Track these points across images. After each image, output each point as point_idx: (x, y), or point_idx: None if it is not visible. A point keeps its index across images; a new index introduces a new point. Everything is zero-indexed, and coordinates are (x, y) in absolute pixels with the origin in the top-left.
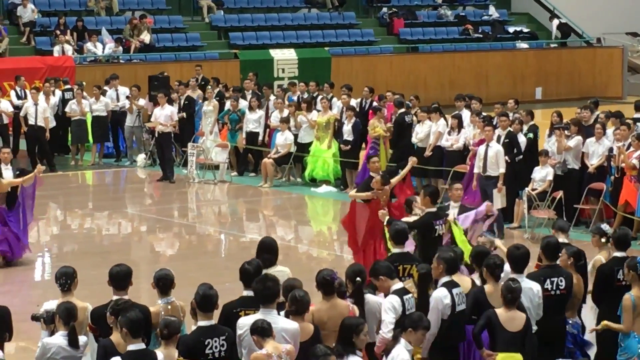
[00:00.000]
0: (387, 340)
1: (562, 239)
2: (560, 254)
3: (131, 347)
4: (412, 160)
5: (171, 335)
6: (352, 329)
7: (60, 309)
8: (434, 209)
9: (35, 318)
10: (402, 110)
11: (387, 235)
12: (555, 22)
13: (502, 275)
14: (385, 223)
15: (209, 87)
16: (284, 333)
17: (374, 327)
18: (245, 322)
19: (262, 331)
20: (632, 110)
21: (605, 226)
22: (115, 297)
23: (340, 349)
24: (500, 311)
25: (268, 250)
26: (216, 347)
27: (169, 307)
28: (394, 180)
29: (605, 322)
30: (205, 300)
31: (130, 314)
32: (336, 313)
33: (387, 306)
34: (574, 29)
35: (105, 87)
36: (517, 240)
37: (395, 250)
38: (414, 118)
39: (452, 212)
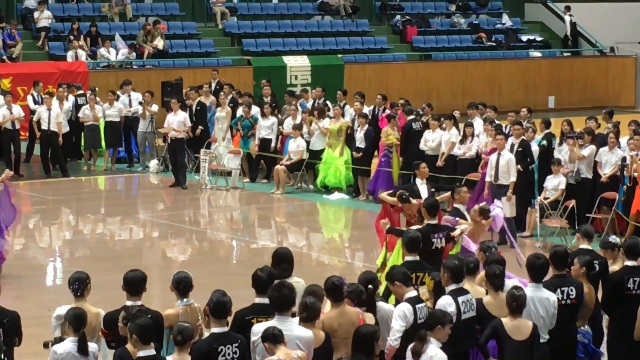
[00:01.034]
0: (394, 348)
1: (585, 245)
2: (572, 264)
3: (141, 354)
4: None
5: (185, 341)
6: (372, 337)
7: (70, 315)
8: (433, 222)
9: (46, 345)
10: (411, 117)
11: (386, 243)
12: (568, 18)
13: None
14: (385, 231)
15: (222, 93)
16: (298, 341)
17: (386, 335)
18: (259, 329)
19: (273, 338)
20: None
21: (614, 238)
22: (128, 303)
23: (364, 358)
24: (506, 320)
25: (285, 261)
26: (229, 354)
27: (189, 309)
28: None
29: None
30: (219, 307)
31: (140, 320)
32: (346, 320)
33: (397, 314)
34: (588, 38)
35: (118, 92)
36: (529, 249)
37: (408, 258)
38: (422, 125)
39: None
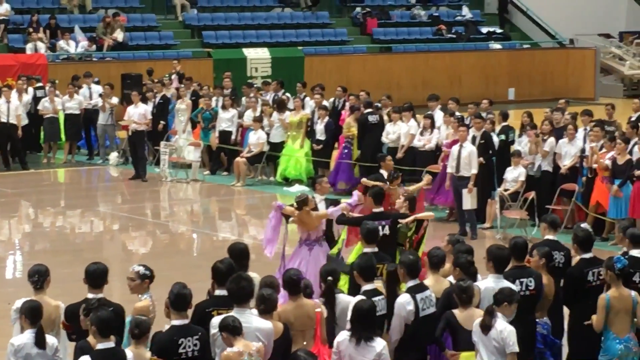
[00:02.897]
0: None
1: (550, 235)
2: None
3: (100, 346)
4: (427, 178)
5: (142, 334)
6: (373, 311)
7: (25, 308)
8: (379, 210)
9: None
10: (368, 110)
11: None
12: None
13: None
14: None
15: (182, 86)
16: (258, 333)
17: (345, 327)
18: (218, 322)
19: (232, 329)
20: (604, 112)
21: (585, 225)
22: (90, 295)
23: (369, 334)
24: (457, 311)
25: (240, 257)
26: (189, 347)
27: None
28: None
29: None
30: (179, 299)
31: (100, 312)
32: (302, 313)
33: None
34: (548, 30)
35: (70, 85)
36: (489, 241)
37: (367, 249)
38: (386, 118)
39: (320, 205)
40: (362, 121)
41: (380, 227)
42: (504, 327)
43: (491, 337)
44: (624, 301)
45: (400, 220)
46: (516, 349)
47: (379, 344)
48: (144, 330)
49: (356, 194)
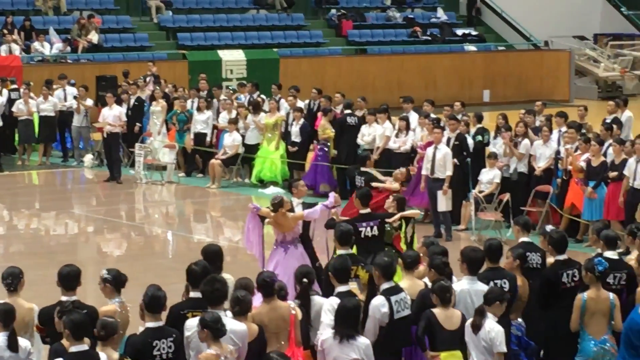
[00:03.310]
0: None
1: (524, 237)
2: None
3: (73, 349)
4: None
5: (108, 336)
6: (357, 310)
7: None
8: (366, 211)
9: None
10: (348, 111)
11: None
12: None
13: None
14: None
15: (157, 88)
16: (233, 335)
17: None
18: (193, 324)
19: (216, 331)
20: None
21: (549, 227)
22: (63, 298)
23: (353, 332)
24: (437, 311)
25: (214, 259)
26: (164, 349)
27: (122, 304)
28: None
29: None
30: (153, 302)
31: (73, 315)
32: (277, 315)
33: (327, 307)
34: (522, 32)
35: (44, 88)
36: (464, 243)
37: (341, 251)
38: (357, 120)
39: (297, 209)
40: (341, 122)
41: (369, 228)
42: (492, 327)
43: (480, 336)
44: (601, 303)
45: (387, 220)
46: (503, 349)
47: (363, 342)
48: (110, 332)
49: (332, 195)
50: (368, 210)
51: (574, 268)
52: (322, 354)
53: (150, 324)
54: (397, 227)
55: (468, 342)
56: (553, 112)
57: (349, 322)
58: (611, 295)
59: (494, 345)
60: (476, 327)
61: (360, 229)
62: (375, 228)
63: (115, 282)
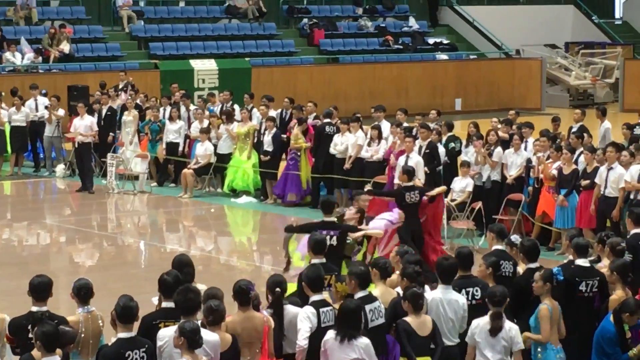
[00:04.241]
0: (303, 349)
1: (499, 245)
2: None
3: None
4: (441, 188)
5: (63, 345)
6: (359, 310)
7: None
8: (329, 219)
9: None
10: (327, 120)
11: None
12: None
13: None
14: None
15: (129, 97)
16: (205, 345)
17: (293, 338)
18: (165, 334)
19: (193, 342)
20: (550, 122)
21: (515, 237)
22: (34, 308)
23: (352, 333)
24: (410, 319)
25: (186, 266)
26: (136, 359)
27: (89, 316)
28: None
29: (526, 333)
30: (125, 312)
31: (45, 327)
32: (250, 325)
33: (302, 316)
34: (494, 41)
35: (16, 98)
36: None
37: (314, 260)
38: (335, 129)
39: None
40: (319, 130)
41: (328, 237)
42: (510, 326)
43: (500, 337)
44: (556, 312)
45: (350, 234)
46: (523, 346)
47: (363, 342)
48: (65, 342)
49: (396, 211)
50: (332, 218)
51: None
52: (325, 355)
53: (123, 335)
54: (359, 242)
55: (482, 345)
56: (524, 121)
57: (352, 323)
58: (555, 303)
59: (514, 343)
60: (496, 330)
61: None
62: (334, 238)
63: (77, 292)
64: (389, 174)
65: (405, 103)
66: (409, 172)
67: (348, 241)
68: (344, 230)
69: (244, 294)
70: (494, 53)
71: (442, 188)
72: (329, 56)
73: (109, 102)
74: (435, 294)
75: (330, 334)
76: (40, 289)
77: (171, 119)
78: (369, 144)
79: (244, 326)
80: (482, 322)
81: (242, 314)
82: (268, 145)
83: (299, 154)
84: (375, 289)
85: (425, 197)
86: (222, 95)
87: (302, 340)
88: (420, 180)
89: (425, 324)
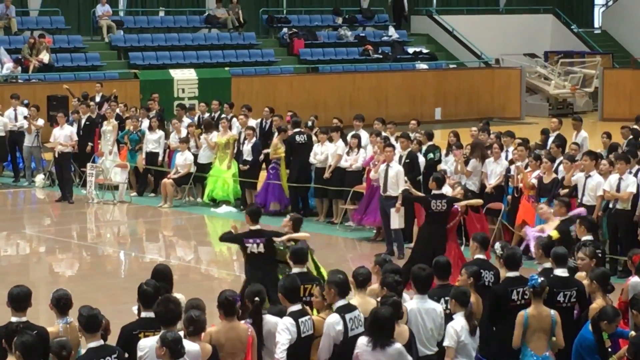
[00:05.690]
0: None
1: (481, 254)
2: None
3: None
4: (477, 202)
5: (70, 355)
6: (393, 317)
7: None
8: (255, 227)
9: None
10: (296, 130)
11: None
12: None
13: None
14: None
15: (109, 108)
16: (186, 355)
17: (272, 348)
18: (145, 344)
19: (175, 352)
20: (530, 131)
21: (497, 246)
22: (13, 319)
23: (384, 340)
24: None
25: (162, 279)
26: None
27: (68, 327)
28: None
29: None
30: (91, 321)
31: (24, 338)
32: (234, 335)
33: (281, 327)
34: (473, 50)
35: None
36: None
37: (295, 269)
38: (314, 138)
39: None
40: (290, 141)
41: (255, 245)
42: (455, 323)
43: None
44: (542, 320)
45: (274, 239)
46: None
47: (396, 350)
48: (70, 350)
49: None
50: (258, 226)
51: (525, 286)
52: (357, 358)
53: (92, 344)
54: (289, 247)
55: (468, 345)
56: (504, 130)
57: (384, 330)
58: (552, 312)
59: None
60: (474, 330)
61: (247, 245)
62: (261, 245)
63: (56, 303)
64: (367, 183)
65: (385, 112)
66: (438, 180)
67: (281, 248)
68: (270, 237)
69: (229, 305)
70: (474, 62)
71: (478, 201)
72: (308, 65)
73: (87, 112)
74: (412, 305)
75: (363, 340)
76: (20, 299)
77: (151, 128)
78: (347, 153)
79: (228, 336)
80: (463, 323)
81: (226, 325)
82: (248, 155)
83: (279, 163)
84: (354, 299)
85: (456, 207)
86: (213, 105)
87: (280, 353)
88: (400, 190)
89: (402, 334)
